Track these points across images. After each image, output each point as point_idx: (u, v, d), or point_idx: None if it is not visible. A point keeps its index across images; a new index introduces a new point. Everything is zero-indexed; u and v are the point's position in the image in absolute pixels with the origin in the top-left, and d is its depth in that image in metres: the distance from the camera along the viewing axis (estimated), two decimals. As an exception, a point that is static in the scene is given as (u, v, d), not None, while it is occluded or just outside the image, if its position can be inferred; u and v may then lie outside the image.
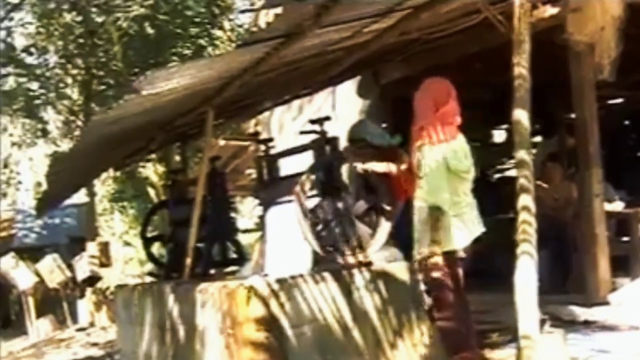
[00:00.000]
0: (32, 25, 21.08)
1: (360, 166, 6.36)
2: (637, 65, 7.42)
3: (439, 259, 5.38)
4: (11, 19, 20.71)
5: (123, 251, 20.56)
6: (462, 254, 5.48)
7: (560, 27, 5.03)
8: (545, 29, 5.13)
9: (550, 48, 5.58)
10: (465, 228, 5.43)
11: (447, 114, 5.46)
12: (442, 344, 5.66)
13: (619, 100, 11.11)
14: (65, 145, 20.75)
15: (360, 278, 5.95)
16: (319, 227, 6.36)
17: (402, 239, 6.39)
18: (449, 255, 5.41)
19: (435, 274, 5.42)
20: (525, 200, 4.66)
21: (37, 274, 16.49)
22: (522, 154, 4.73)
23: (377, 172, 6.30)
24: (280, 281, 5.58)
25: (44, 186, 13.50)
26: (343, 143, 7.20)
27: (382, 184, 6.40)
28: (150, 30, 19.24)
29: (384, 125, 9.44)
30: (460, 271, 5.51)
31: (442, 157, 5.36)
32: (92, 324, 15.73)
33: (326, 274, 5.83)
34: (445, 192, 5.33)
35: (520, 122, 4.73)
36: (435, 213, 5.34)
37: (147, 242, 8.95)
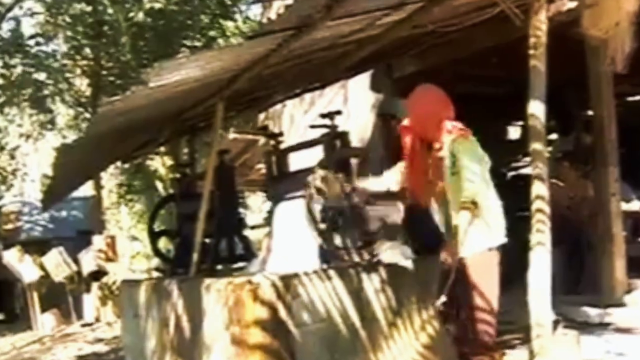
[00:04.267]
0: (41, 15, 21.15)
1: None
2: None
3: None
4: (20, 8, 20.78)
5: (130, 245, 20.60)
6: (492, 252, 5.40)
7: (575, 22, 4.99)
8: (561, 23, 5.10)
9: (567, 43, 5.55)
10: (491, 229, 5.36)
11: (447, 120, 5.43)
12: (453, 343, 5.63)
13: (638, 98, 11.05)
14: (73, 138, 20.80)
15: (367, 276, 5.94)
16: (328, 223, 6.36)
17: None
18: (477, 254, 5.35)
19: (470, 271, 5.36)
20: (539, 189, 4.64)
21: (43, 268, 16.54)
22: (536, 145, 4.72)
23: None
24: (286, 278, 5.57)
25: (50, 179, 13.51)
26: (354, 138, 7.19)
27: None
28: (160, 22, 19.26)
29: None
30: (493, 270, 5.43)
31: (475, 146, 5.30)
32: (97, 319, 15.77)
33: (333, 272, 5.82)
34: (482, 186, 5.26)
35: (535, 114, 4.71)
36: (475, 209, 5.24)
37: (154, 237, 8.97)
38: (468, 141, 5.31)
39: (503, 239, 5.34)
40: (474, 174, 5.20)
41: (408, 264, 6.25)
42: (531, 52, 4.72)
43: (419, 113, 5.46)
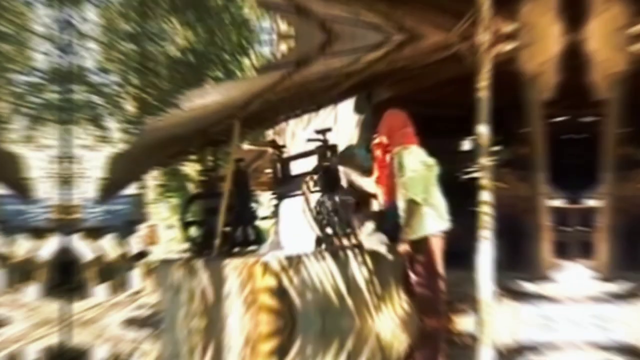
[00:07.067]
0: (97, 53, 21.09)
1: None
2: (575, 90, 7.39)
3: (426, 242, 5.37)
4: (82, 46, 20.70)
5: (167, 232, 20.55)
6: (437, 237, 5.44)
7: (514, 59, 5.06)
8: (503, 60, 5.14)
9: (508, 75, 5.58)
10: (437, 217, 5.43)
11: (404, 135, 5.51)
12: (415, 309, 5.65)
13: (562, 118, 11.05)
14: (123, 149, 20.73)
15: (353, 257, 5.95)
16: (321, 216, 6.36)
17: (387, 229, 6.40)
18: (426, 239, 5.39)
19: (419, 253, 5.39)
20: (485, 195, 4.68)
21: (99, 250, 16.50)
22: (483, 160, 4.77)
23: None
24: (289, 258, 5.59)
25: (105, 180, 13.49)
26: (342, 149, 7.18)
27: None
28: (190, 57, 19.22)
29: (375, 136, 9.41)
30: (438, 251, 5.47)
31: (419, 155, 5.38)
32: (141, 291, 15.71)
33: (326, 254, 5.84)
34: (421, 186, 5.33)
35: (481, 134, 4.75)
36: (415, 205, 5.33)
37: (185, 226, 8.96)
38: (409, 150, 5.39)
39: (447, 225, 5.41)
40: (410, 177, 5.28)
41: (384, 247, 6.26)
42: (478, 84, 4.77)
43: (387, 128, 5.55)
